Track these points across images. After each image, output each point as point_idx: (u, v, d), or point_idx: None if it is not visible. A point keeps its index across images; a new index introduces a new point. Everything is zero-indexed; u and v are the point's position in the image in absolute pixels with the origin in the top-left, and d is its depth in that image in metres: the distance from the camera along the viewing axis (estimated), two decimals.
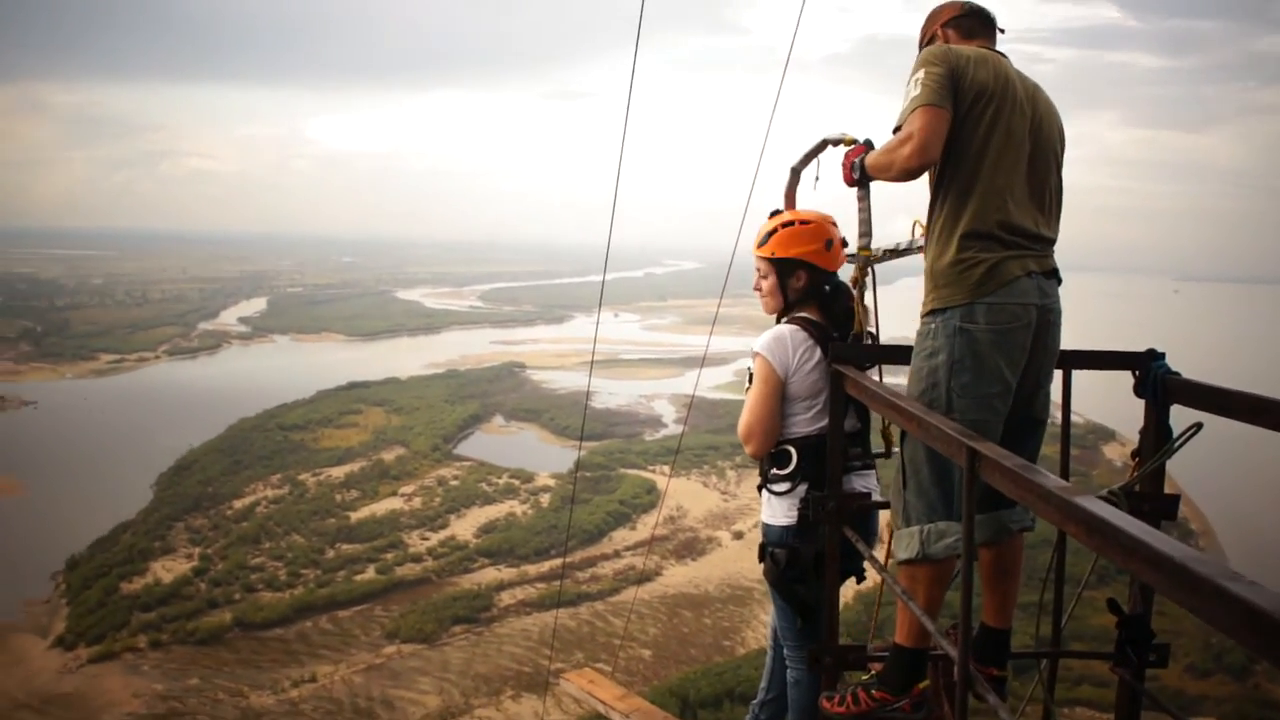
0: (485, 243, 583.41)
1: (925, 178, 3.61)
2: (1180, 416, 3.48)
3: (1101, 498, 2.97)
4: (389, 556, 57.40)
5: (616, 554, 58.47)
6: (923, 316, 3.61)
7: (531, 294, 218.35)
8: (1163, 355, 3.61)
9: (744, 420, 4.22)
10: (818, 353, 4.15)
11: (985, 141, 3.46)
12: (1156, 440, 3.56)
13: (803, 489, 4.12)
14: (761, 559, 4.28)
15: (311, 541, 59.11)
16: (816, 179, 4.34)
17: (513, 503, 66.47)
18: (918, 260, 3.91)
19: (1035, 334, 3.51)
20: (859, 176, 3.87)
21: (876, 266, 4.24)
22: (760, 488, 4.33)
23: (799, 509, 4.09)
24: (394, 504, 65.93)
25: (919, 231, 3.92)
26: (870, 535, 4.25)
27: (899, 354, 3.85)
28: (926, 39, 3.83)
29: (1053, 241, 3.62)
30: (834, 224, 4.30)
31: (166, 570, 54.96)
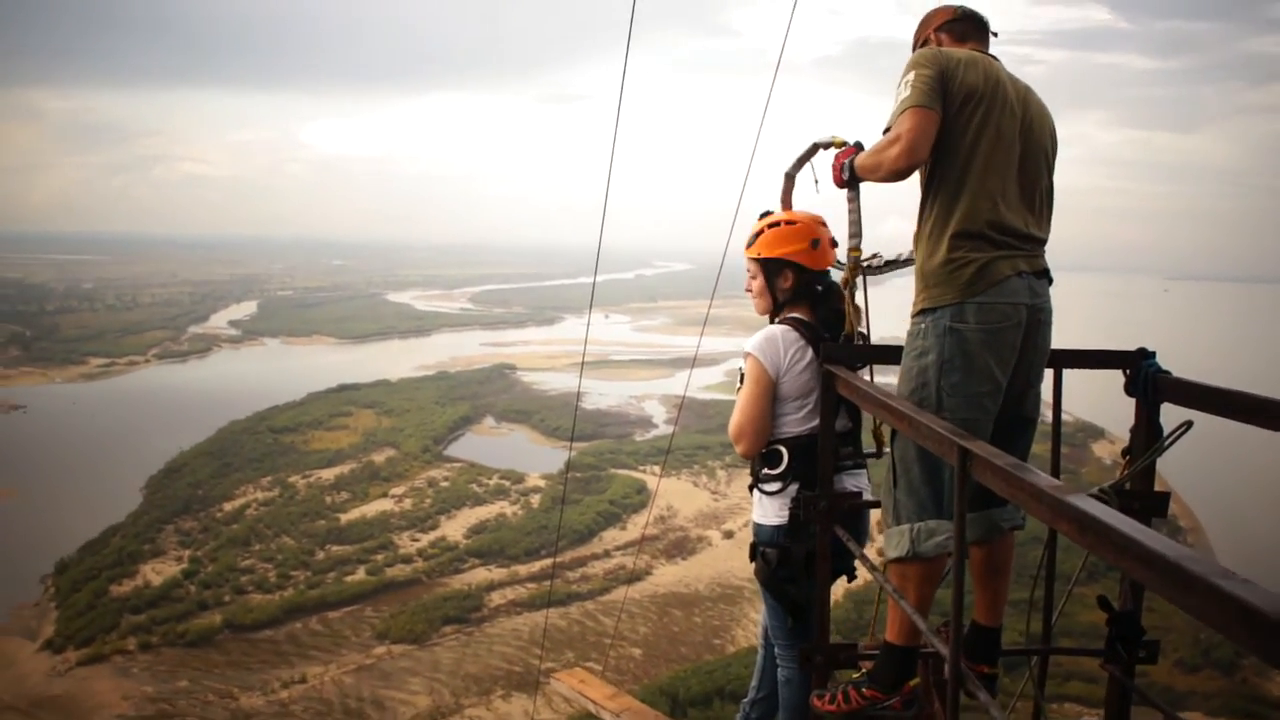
0: (477, 245, 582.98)
1: (916, 179, 3.62)
2: (1170, 415, 3.49)
3: (1093, 496, 2.98)
4: (379, 558, 57.34)
5: (607, 554, 58.52)
6: (913, 316, 3.61)
7: (522, 296, 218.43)
8: (1153, 354, 3.62)
9: (735, 420, 4.22)
10: (809, 353, 4.15)
11: (975, 142, 3.46)
12: (1147, 438, 3.57)
13: (794, 488, 4.12)
14: (753, 558, 4.27)
15: (301, 543, 59.03)
16: (816, 181, 4.34)
17: (503, 503, 66.45)
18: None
19: (1026, 333, 3.52)
20: (848, 178, 3.87)
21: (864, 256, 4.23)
22: (751, 487, 4.33)
23: (790, 508, 4.10)
24: (384, 505, 65.88)
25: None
26: (861, 534, 4.25)
27: (890, 354, 3.86)
28: (920, 43, 3.85)
29: (1043, 242, 3.63)
30: (822, 224, 4.31)
31: (156, 573, 54.82)
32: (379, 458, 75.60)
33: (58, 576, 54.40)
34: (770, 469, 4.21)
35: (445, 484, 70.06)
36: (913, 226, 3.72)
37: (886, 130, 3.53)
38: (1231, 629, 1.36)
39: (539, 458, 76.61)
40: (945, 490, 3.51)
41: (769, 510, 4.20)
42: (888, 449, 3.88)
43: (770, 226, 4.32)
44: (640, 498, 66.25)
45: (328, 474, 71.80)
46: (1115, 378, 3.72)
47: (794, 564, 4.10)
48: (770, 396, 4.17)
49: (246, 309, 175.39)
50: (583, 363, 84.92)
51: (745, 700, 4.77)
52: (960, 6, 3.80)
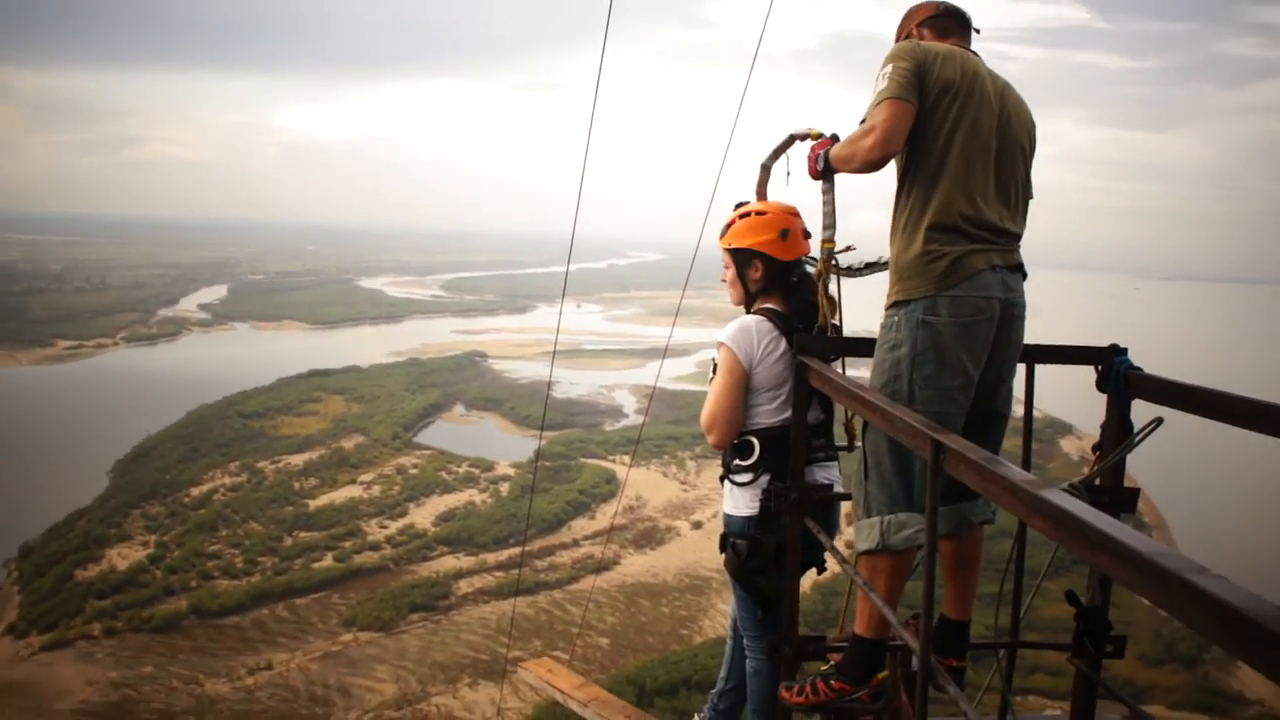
0: (451, 231, 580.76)
1: (892, 171, 3.61)
2: (1141, 411, 3.50)
3: (1064, 490, 2.99)
4: (347, 544, 57.19)
5: (575, 543, 58.61)
6: (887, 309, 3.61)
7: (494, 283, 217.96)
8: (1125, 350, 3.64)
9: (707, 410, 4.21)
10: (782, 344, 4.14)
11: (951, 136, 3.46)
12: (1118, 434, 3.58)
13: (765, 480, 4.12)
14: (723, 549, 4.27)
15: (269, 529, 58.77)
16: (788, 174, 4.33)
17: (472, 491, 66.39)
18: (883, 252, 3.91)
19: (998, 328, 3.51)
20: (823, 169, 3.87)
21: (842, 258, 4.23)
22: (722, 478, 4.32)
23: (761, 500, 4.10)
24: (353, 492, 65.68)
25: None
26: (831, 527, 4.25)
27: (864, 346, 3.85)
28: (902, 37, 3.84)
29: (1018, 236, 3.63)
30: (795, 215, 4.30)
31: (122, 557, 54.44)
32: (348, 444, 75.35)
33: (21, 560, 53.97)
34: (742, 460, 4.20)
35: (414, 471, 69.89)
36: (887, 219, 3.72)
37: (863, 121, 3.53)
38: (1206, 626, 1.36)
39: (509, 446, 76.57)
40: (916, 483, 3.51)
41: (740, 501, 4.20)
42: (859, 443, 3.88)
43: (741, 217, 4.33)
44: (610, 487, 66.44)
45: (296, 460, 71.47)
46: (1082, 373, 3.73)
47: (764, 556, 4.10)
48: (743, 387, 4.17)
49: (217, 292, 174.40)
50: (554, 351, 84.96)
51: (713, 691, 4.77)
52: (942, 2, 3.80)
